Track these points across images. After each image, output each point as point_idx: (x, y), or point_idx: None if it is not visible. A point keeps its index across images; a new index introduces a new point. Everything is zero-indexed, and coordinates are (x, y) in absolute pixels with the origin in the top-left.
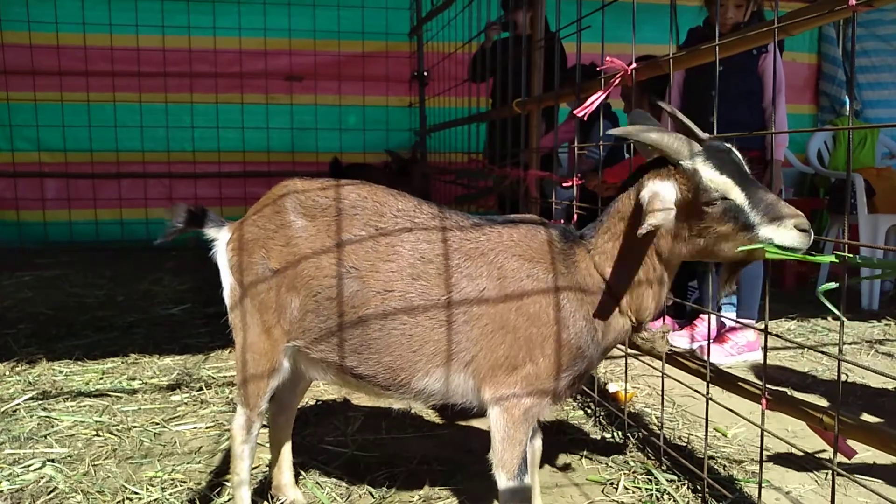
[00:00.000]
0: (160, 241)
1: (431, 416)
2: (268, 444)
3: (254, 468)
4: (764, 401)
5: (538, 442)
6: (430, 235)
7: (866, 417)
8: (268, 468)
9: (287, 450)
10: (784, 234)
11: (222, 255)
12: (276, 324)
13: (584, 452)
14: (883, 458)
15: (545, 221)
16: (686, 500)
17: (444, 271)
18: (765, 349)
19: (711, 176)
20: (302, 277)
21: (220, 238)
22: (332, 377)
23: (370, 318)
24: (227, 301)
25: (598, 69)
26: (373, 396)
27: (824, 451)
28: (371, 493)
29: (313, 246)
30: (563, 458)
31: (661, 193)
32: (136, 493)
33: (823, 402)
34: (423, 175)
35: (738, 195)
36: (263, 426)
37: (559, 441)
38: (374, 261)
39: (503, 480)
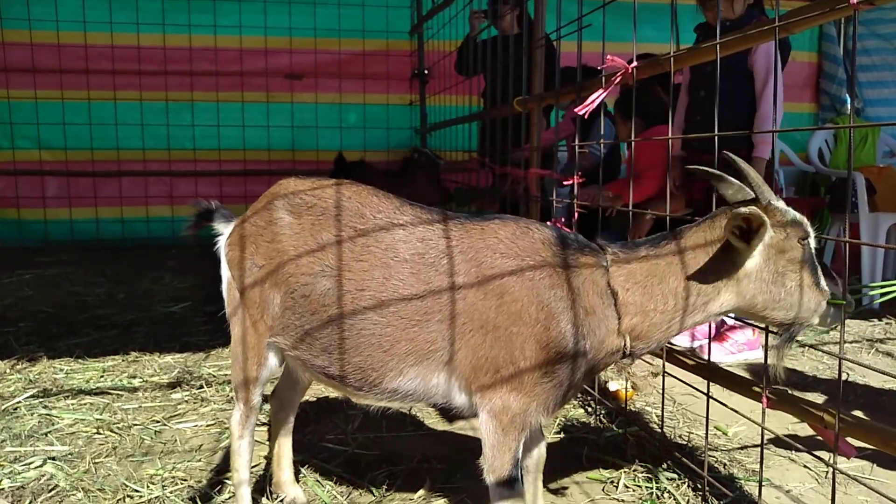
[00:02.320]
0: (183, 234)
1: (432, 415)
2: (268, 442)
3: (254, 466)
4: (764, 399)
5: (542, 448)
6: (407, 235)
7: (867, 416)
8: (266, 461)
9: (287, 447)
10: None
11: (222, 251)
12: (261, 319)
13: (585, 451)
14: (883, 456)
15: (541, 223)
16: (686, 498)
17: (418, 271)
18: (765, 348)
19: (797, 215)
20: (283, 274)
21: (224, 233)
22: (309, 376)
23: (341, 318)
24: (225, 296)
25: (598, 68)
26: (349, 397)
27: (825, 449)
28: (371, 492)
29: (295, 244)
30: (563, 457)
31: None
32: (136, 491)
33: (824, 401)
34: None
35: (813, 241)
36: (264, 423)
37: (559, 439)
38: (347, 260)
39: (493, 486)
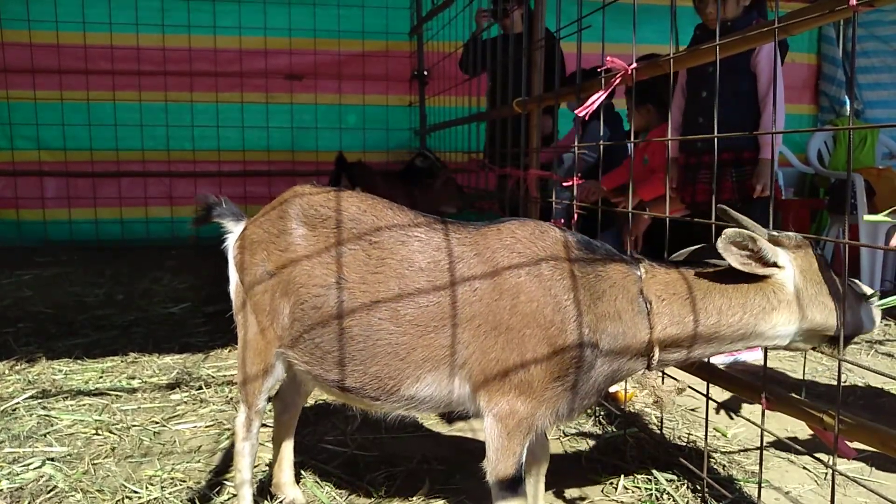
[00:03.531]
0: (188, 228)
1: (431, 416)
2: (268, 443)
3: (254, 467)
4: (764, 400)
5: (547, 453)
6: (423, 246)
7: (866, 417)
8: (268, 467)
9: (289, 449)
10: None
11: (231, 251)
12: (270, 326)
13: (584, 452)
14: (883, 458)
15: (561, 227)
16: (686, 499)
17: (434, 277)
18: (765, 349)
19: (796, 234)
20: (294, 284)
21: (234, 233)
22: (320, 387)
23: (358, 329)
24: (232, 297)
25: (598, 69)
26: (364, 408)
27: (824, 451)
28: (371, 493)
29: (308, 255)
30: (562, 458)
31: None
32: (135, 492)
33: (823, 403)
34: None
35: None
36: (266, 425)
37: (559, 441)
38: (363, 273)
39: (497, 491)
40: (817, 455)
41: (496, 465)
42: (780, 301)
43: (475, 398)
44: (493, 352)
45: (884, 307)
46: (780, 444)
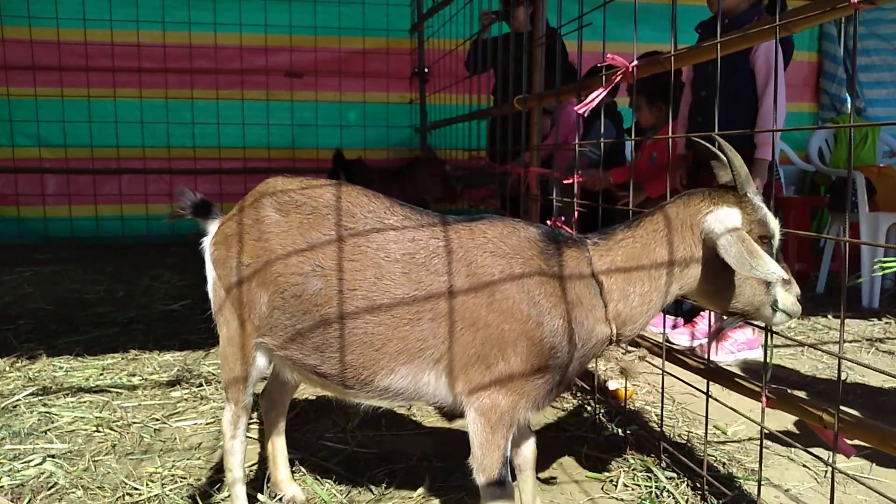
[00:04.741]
0: (166, 220)
1: (431, 413)
2: (260, 441)
3: (253, 464)
4: (764, 399)
5: (532, 444)
6: (398, 235)
7: (866, 415)
8: (266, 465)
9: (281, 445)
10: (788, 298)
11: (207, 250)
12: (248, 319)
13: (584, 450)
14: (882, 456)
15: (527, 222)
16: (686, 497)
17: (409, 270)
18: (765, 347)
19: (769, 215)
20: (270, 273)
21: (210, 231)
22: (297, 376)
23: (334, 317)
24: (211, 296)
25: (598, 66)
26: (339, 396)
27: (824, 448)
28: (371, 490)
29: (283, 242)
30: (562, 456)
31: (734, 221)
32: (136, 489)
33: (823, 401)
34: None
35: (776, 243)
36: (259, 421)
37: (559, 438)
38: (339, 260)
39: (484, 486)
40: (817, 452)
41: (482, 461)
42: (693, 258)
43: (455, 394)
44: (473, 348)
45: (886, 272)
46: (780, 442)
